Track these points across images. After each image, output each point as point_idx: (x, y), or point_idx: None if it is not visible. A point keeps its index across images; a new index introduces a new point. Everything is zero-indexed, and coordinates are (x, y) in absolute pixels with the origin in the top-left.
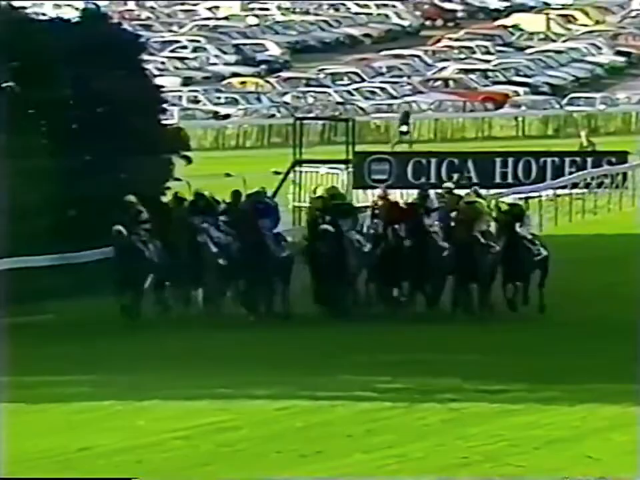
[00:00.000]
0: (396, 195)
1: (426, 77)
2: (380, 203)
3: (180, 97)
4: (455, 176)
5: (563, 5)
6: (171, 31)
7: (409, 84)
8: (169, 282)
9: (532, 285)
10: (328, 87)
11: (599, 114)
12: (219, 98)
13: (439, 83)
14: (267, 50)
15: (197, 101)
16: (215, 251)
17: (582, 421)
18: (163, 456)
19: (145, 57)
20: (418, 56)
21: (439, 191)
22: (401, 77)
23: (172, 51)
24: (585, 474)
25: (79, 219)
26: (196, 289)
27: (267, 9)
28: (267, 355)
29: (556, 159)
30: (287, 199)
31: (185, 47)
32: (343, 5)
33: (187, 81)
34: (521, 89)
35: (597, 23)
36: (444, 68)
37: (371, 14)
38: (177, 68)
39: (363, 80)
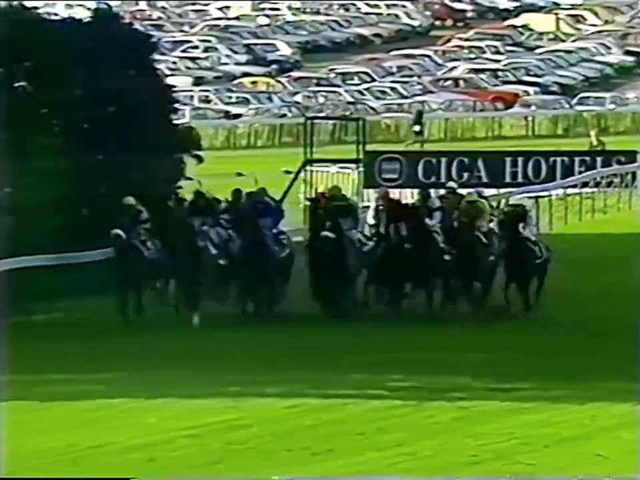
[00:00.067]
0: (400, 195)
1: (436, 76)
2: (381, 202)
3: (191, 97)
4: (465, 175)
5: (572, 4)
6: (182, 30)
7: (419, 84)
8: (168, 282)
9: (533, 286)
10: (338, 86)
11: (608, 113)
12: (230, 97)
13: (449, 82)
14: (277, 50)
15: (208, 101)
16: (214, 251)
17: (592, 419)
18: (174, 454)
19: (157, 56)
20: (428, 56)
21: (442, 191)
22: (411, 76)
23: (183, 51)
24: (594, 472)
25: (91, 218)
26: (196, 288)
27: (278, 9)
28: (269, 354)
29: (566, 159)
30: (299, 198)
31: (196, 47)
32: (353, 5)
33: (198, 81)
34: (530, 89)
35: (606, 22)
36: (454, 68)
37: (381, 14)
38: (188, 68)
39: (374, 80)
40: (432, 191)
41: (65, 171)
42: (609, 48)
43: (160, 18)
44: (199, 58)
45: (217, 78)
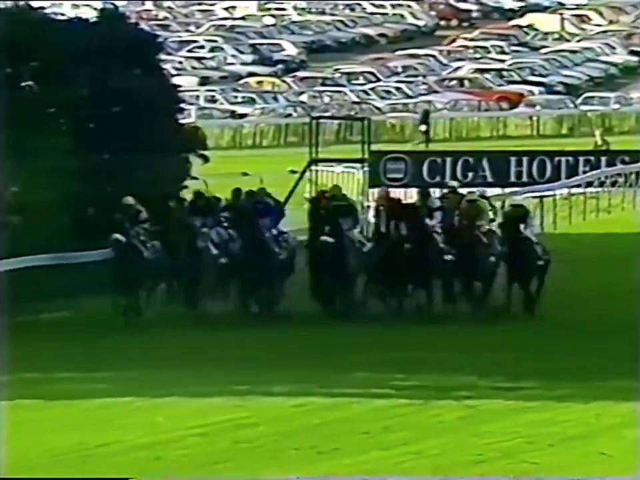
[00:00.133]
0: (405, 194)
1: (441, 76)
2: (381, 202)
3: (197, 97)
4: (470, 175)
5: (577, 5)
6: (188, 30)
7: (424, 83)
8: (167, 282)
9: (533, 286)
10: (344, 86)
11: (613, 113)
12: (235, 97)
13: (454, 82)
14: (283, 50)
15: (214, 100)
16: (214, 251)
17: (596, 418)
18: (181, 452)
19: (163, 56)
20: (433, 56)
21: (444, 190)
22: (416, 76)
23: (189, 51)
24: (599, 471)
25: (98, 217)
26: (195, 288)
27: (284, 9)
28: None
29: (570, 158)
30: (304, 198)
31: (202, 47)
32: (359, 5)
33: (204, 81)
34: (535, 89)
35: (611, 22)
36: (459, 67)
37: (386, 14)
38: (194, 67)
39: (379, 79)
40: (432, 191)
41: (72, 170)
42: (613, 48)
43: (166, 18)
44: (205, 58)
45: (223, 78)
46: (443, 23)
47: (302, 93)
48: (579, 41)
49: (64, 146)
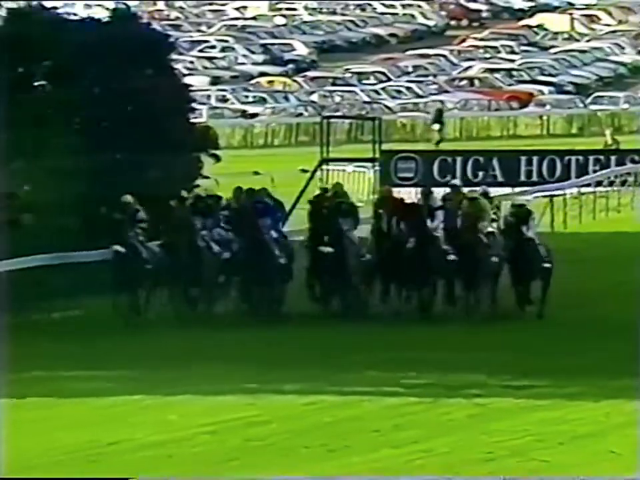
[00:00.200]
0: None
1: (451, 76)
2: (383, 201)
3: (209, 96)
4: (481, 174)
5: (586, 4)
6: (199, 30)
7: (434, 83)
8: (166, 282)
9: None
10: (355, 86)
11: (622, 113)
12: (247, 97)
13: (464, 82)
14: (294, 49)
15: (225, 100)
16: (213, 251)
17: (606, 416)
18: (193, 450)
19: (174, 56)
20: (444, 55)
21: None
22: (426, 76)
23: (201, 51)
24: (608, 469)
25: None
26: (194, 288)
27: (295, 9)
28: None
29: (580, 157)
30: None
31: (213, 47)
32: (370, 5)
33: (215, 80)
34: (545, 88)
35: (620, 22)
36: (469, 67)
37: (397, 14)
38: (205, 67)
39: (389, 79)
40: (435, 190)
41: (84, 169)
42: (622, 48)
43: (178, 18)
44: (216, 58)
45: (234, 77)
46: (453, 22)
47: (313, 92)
48: (588, 40)
49: (76, 145)
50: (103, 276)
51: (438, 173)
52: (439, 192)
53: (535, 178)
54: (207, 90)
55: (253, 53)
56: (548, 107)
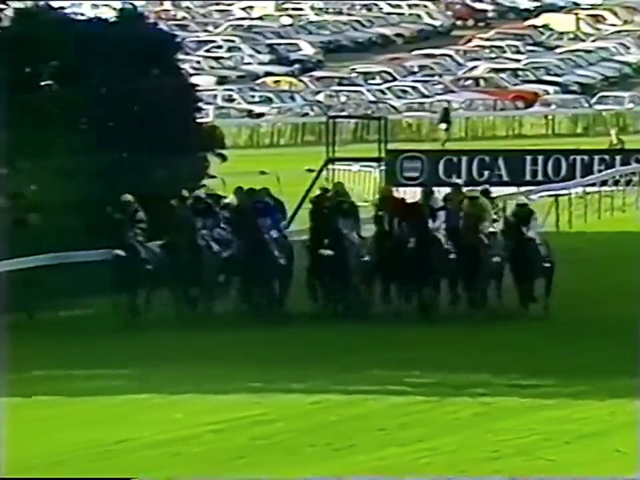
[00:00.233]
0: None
1: (457, 76)
2: (384, 201)
3: (215, 96)
4: (486, 173)
5: (592, 5)
6: (206, 30)
7: (440, 83)
8: (167, 281)
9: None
10: (360, 85)
11: (627, 112)
12: (253, 97)
13: (470, 81)
14: (300, 49)
15: (231, 100)
16: (213, 250)
17: (611, 415)
18: (199, 449)
19: (181, 56)
20: (449, 55)
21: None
22: (432, 76)
23: (207, 51)
24: (614, 468)
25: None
26: (194, 288)
27: (301, 9)
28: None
29: (585, 157)
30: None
31: (219, 47)
32: (376, 5)
33: (221, 80)
34: (550, 88)
35: (626, 22)
36: (475, 67)
37: (403, 14)
38: (212, 67)
39: (395, 79)
40: (437, 190)
41: (90, 169)
42: (628, 48)
43: (184, 18)
44: (222, 57)
45: (241, 77)
46: (459, 22)
47: (319, 92)
48: (593, 40)
49: (82, 145)
50: (109, 275)
51: (443, 173)
52: (442, 191)
53: (540, 177)
54: (213, 90)
55: (259, 52)
56: (553, 106)
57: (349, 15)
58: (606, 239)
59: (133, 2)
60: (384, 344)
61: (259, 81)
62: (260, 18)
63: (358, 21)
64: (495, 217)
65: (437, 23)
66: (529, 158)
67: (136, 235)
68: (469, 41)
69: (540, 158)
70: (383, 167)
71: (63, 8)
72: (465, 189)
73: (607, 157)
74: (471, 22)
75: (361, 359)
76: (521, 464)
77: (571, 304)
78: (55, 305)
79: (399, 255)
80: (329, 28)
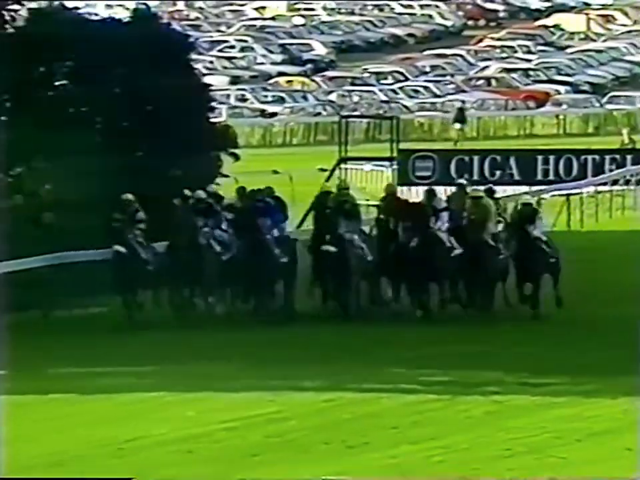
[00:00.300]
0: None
1: (469, 75)
2: (387, 201)
3: (228, 96)
4: (498, 173)
5: (602, 5)
6: (219, 30)
7: (452, 83)
8: (168, 281)
9: (548, 285)
10: (373, 85)
11: (638, 112)
12: (266, 96)
13: (481, 81)
14: (312, 49)
15: (244, 100)
16: (214, 250)
17: (624, 413)
18: (213, 446)
19: (194, 56)
20: (461, 55)
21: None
22: (444, 75)
23: (220, 51)
24: (624, 466)
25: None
26: (194, 289)
27: (313, 10)
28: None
29: (596, 157)
30: None
31: (232, 47)
32: (388, 5)
33: (234, 80)
34: (562, 88)
35: (636, 22)
36: (486, 67)
37: (414, 14)
38: (225, 67)
39: (407, 79)
40: (438, 190)
41: (104, 168)
42: (638, 47)
43: (197, 18)
44: (235, 57)
45: (253, 77)
46: (470, 23)
47: (331, 92)
48: (604, 40)
49: (96, 144)
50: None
51: (455, 172)
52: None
53: (551, 177)
54: (226, 89)
55: (271, 52)
56: (564, 106)
57: (361, 15)
58: (618, 238)
59: (147, 2)
60: (391, 343)
61: (271, 81)
62: (272, 18)
63: (370, 21)
64: (499, 217)
65: (448, 23)
66: (540, 157)
67: (136, 236)
68: (481, 41)
69: (551, 157)
70: (395, 167)
71: (77, 8)
72: (469, 189)
73: (618, 156)
74: (482, 22)
75: (371, 358)
76: (533, 462)
77: (581, 303)
78: (69, 303)
79: (400, 255)
80: (341, 28)
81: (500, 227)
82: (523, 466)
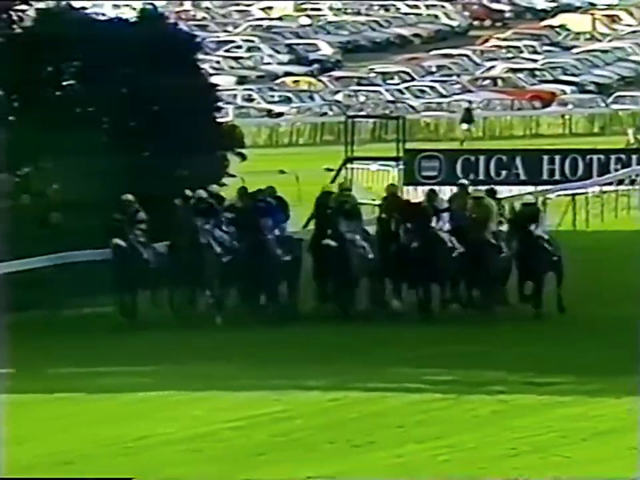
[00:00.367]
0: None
1: (475, 75)
2: (388, 201)
3: (235, 96)
4: (504, 173)
5: (608, 5)
6: (225, 31)
7: (458, 83)
8: (167, 283)
9: (550, 285)
10: (379, 85)
11: None
12: (272, 96)
13: (487, 81)
14: (319, 49)
15: (251, 100)
16: (214, 252)
17: (628, 413)
18: (219, 445)
19: (201, 56)
20: (467, 55)
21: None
22: (450, 75)
23: (227, 51)
24: (628, 465)
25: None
26: (195, 289)
27: (319, 10)
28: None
29: (602, 156)
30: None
31: (239, 47)
32: (394, 5)
33: (241, 80)
34: (567, 88)
35: None
36: (492, 67)
37: (420, 14)
38: (231, 67)
39: (413, 79)
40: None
41: (111, 168)
42: None
43: (204, 18)
44: (242, 57)
45: (260, 77)
46: (476, 23)
47: (337, 92)
48: (610, 40)
49: (104, 144)
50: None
51: (461, 172)
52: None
53: (557, 177)
54: (233, 89)
55: (278, 52)
56: (570, 106)
57: (367, 15)
58: (623, 237)
59: (153, 2)
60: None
61: (278, 81)
62: (279, 18)
63: (376, 22)
64: (500, 217)
65: (454, 24)
66: (546, 157)
67: (136, 236)
68: (486, 41)
69: (557, 157)
70: (401, 166)
71: (84, 8)
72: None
73: (623, 156)
74: (488, 22)
75: (376, 358)
76: (538, 461)
77: (586, 302)
78: (75, 303)
79: (402, 255)
80: (347, 28)
81: (502, 226)
82: (528, 465)
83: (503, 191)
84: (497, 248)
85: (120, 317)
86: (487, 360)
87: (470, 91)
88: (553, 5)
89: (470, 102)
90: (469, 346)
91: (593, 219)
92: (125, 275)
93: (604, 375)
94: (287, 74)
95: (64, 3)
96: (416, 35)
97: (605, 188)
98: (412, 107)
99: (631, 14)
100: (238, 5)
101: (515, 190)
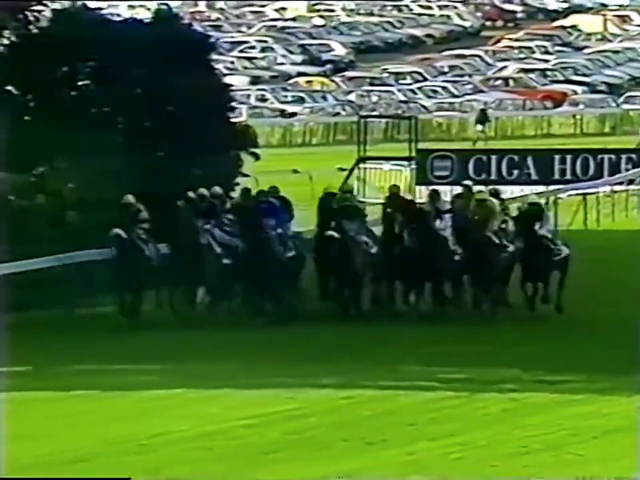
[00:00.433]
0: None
1: (487, 76)
2: (391, 201)
3: (248, 96)
4: (515, 172)
5: (619, 5)
6: (239, 31)
7: (470, 83)
8: (171, 281)
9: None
10: (391, 85)
11: None
12: (285, 96)
13: (499, 82)
14: (332, 50)
15: (264, 100)
16: (216, 252)
17: (638, 410)
18: (232, 443)
19: (215, 56)
20: (479, 56)
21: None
22: (462, 76)
23: (241, 51)
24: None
25: (151, 214)
26: (197, 289)
27: (333, 10)
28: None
29: (613, 156)
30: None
31: (253, 47)
32: (406, 6)
33: (255, 80)
34: (579, 88)
35: None
36: (504, 67)
37: (433, 15)
38: (245, 67)
39: (426, 79)
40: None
41: (126, 168)
42: None
43: (218, 19)
44: (255, 58)
45: (273, 77)
46: (488, 23)
47: (350, 92)
48: (621, 41)
49: (118, 144)
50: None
51: (473, 172)
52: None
53: (568, 176)
54: (246, 89)
55: (291, 53)
56: (581, 106)
57: (380, 16)
58: (635, 237)
59: (168, 3)
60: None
61: (291, 81)
62: (293, 19)
63: (389, 22)
64: (504, 217)
65: (466, 24)
66: (557, 157)
67: (138, 236)
68: (498, 41)
69: (568, 157)
70: (413, 166)
71: (99, 9)
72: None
73: (634, 155)
74: (500, 23)
75: (388, 356)
76: (549, 459)
77: (595, 301)
78: (87, 302)
79: (404, 255)
80: (360, 29)
81: (506, 226)
82: (540, 463)
83: (515, 191)
84: (499, 248)
85: (127, 316)
86: (497, 359)
87: (482, 91)
88: (565, 5)
89: (485, 103)
90: (475, 346)
91: (604, 218)
92: (126, 270)
93: (614, 373)
94: (300, 74)
95: (79, 3)
96: (428, 36)
97: (616, 187)
98: (424, 107)
99: None
100: (252, 5)
101: (527, 190)
